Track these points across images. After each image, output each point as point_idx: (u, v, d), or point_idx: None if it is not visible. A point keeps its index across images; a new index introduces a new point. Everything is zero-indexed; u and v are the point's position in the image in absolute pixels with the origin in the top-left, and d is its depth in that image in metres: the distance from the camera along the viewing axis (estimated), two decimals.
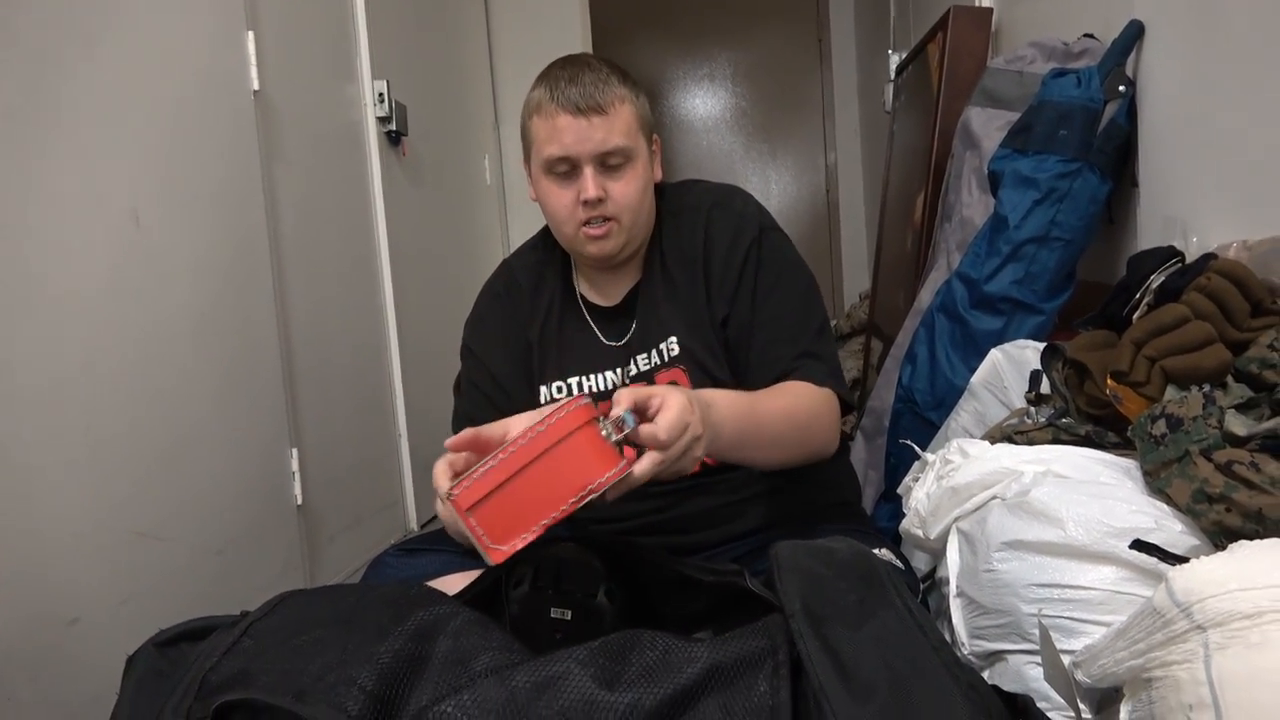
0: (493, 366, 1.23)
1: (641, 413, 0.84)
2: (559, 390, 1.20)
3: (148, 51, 1.48)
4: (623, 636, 0.68)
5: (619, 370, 1.19)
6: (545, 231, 1.26)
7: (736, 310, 1.16)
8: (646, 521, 1.14)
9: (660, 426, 0.82)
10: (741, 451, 1.02)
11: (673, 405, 0.84)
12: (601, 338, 1.21)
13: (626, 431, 0.82)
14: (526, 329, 1.23)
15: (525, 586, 0.86)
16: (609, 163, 1.10)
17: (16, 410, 1.17)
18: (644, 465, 0.82)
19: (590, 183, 1.10)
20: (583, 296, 1.23)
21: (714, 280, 1.16)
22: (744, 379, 1.15)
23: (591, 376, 1.19)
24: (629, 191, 1.12)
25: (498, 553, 0.78)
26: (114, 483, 1.33)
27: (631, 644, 0.67)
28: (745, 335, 1.15)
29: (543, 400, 1.20)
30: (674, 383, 1.17)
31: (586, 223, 1.12)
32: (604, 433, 0.81)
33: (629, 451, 0.83)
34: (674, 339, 1.16)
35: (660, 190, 1.23)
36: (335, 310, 2.13)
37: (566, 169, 1.11)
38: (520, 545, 0.78)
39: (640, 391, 0.85)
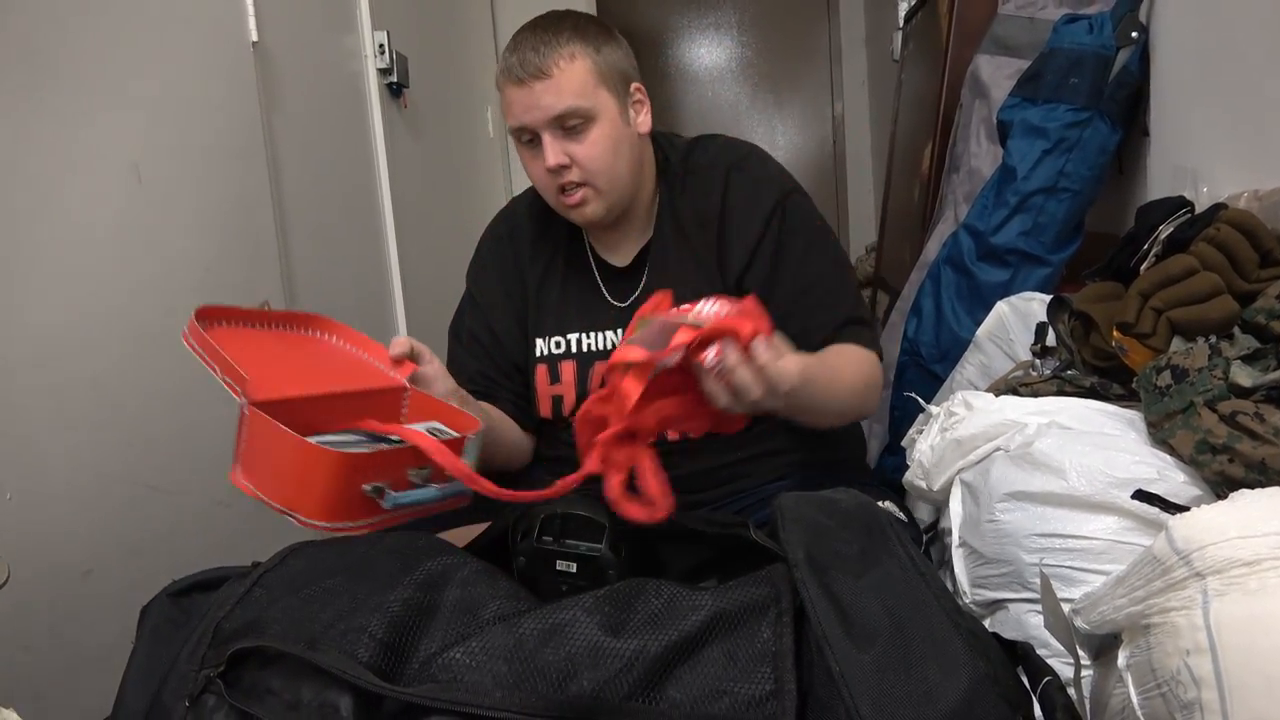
0: (493, 321, 1.21)
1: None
2: (557, 346, 1.18)
3: (145, 3, 1.46)
4: (628, 585, 0.69)
5: (620, 331, 1.15)
6: None
7: (755, 268, 1.11)
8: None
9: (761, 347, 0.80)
10: (805, 400, 0.94)
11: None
12: (607, 296, 1.18)
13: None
14: (526, 277, 1.20)
15: (531, 540, 0.87)
16: (566, 125, 1.05)
17: (23, 367, 1.18)
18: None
19: (549, 151, 1.05)
20: (593, 251, 1.20)
21: (729, 242, 1.12)
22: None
23: (591, 334, 1.17)
24: (593, 153, 1.06)
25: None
26: (123, 437, 1.34)
27: (637, 592, 0.68)
28: (776, 299, 1.08)
29: (538, 353, 1.18)
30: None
31: (561, 190, 1.08)
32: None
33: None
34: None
35: (671, 144, 1.20)
36: (339, 263, 2.12)
37: (529, 138, 1.07)
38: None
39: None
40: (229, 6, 1.71)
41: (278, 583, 0.73)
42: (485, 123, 3.34)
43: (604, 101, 1.07)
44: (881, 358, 1.14)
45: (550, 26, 1.06)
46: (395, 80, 2.39)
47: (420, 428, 0.89)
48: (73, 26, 1.29)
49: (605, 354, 1.16)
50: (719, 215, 1.13)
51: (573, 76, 1.04)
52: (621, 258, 1.19)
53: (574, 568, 0.85)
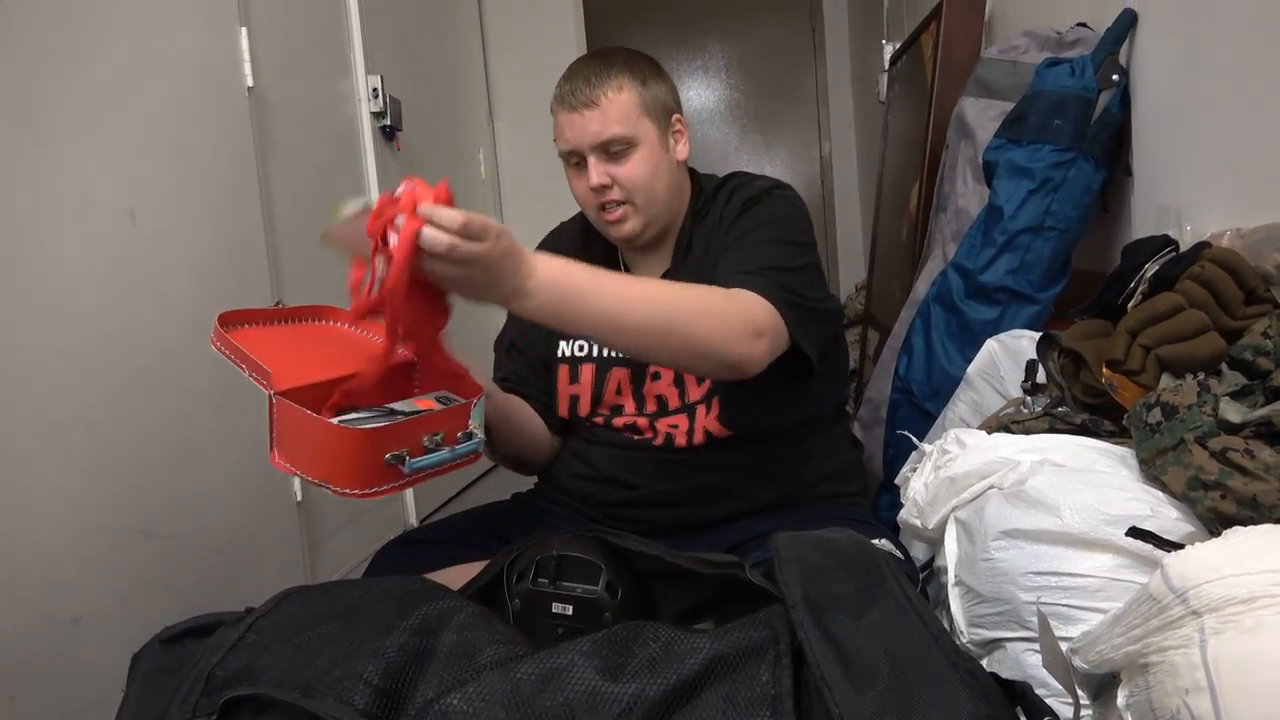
0: (529, 324, 1.25)
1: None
2: (580, 349, 1.25)
3: (141, 48, 1.48)
4: (626, 628, 0.69)
5: None
6: None
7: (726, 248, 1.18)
8: (656, 491, 1.18)
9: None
10: (575, 318, 0.96)
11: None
12: None
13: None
14: None
15: (526, 582, 0.86)
16: (610, 150, 1.15)
17: (16, 410, 1.17)
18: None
19: (593, 171, 1.15)
20: (627, 270, 1.28)
21: (721, 242, 1.19)
22: None
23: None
24: (633, 174, 1.15)
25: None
26: (114, 481, 1.33)
27: (634, 635, 0.67)
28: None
29: (559, 354, 1.26)
30: None
31: (602, 208, 1.17)
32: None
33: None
34: None
35: (708, 179, 1.27)
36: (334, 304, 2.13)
37: (577, 160, 1.17)
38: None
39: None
40: (225, 51, 1.73)
41: (271, 629, 0.72)
42: (478, 165, 3.37)
43: (645, 130, 1.16)
44: (784, 313, 1.05)
45: (603, 59, 1.16)
46: (389, 123, 2.41)
47: (430, 397, 0.97)
48: (69, 71, 1.31)
49: (623, 361, 1.22)
50: (724, 230, 1.20)
51: (619, 106, 1.14)
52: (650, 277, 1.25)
53: (570, 610, 0.85)
